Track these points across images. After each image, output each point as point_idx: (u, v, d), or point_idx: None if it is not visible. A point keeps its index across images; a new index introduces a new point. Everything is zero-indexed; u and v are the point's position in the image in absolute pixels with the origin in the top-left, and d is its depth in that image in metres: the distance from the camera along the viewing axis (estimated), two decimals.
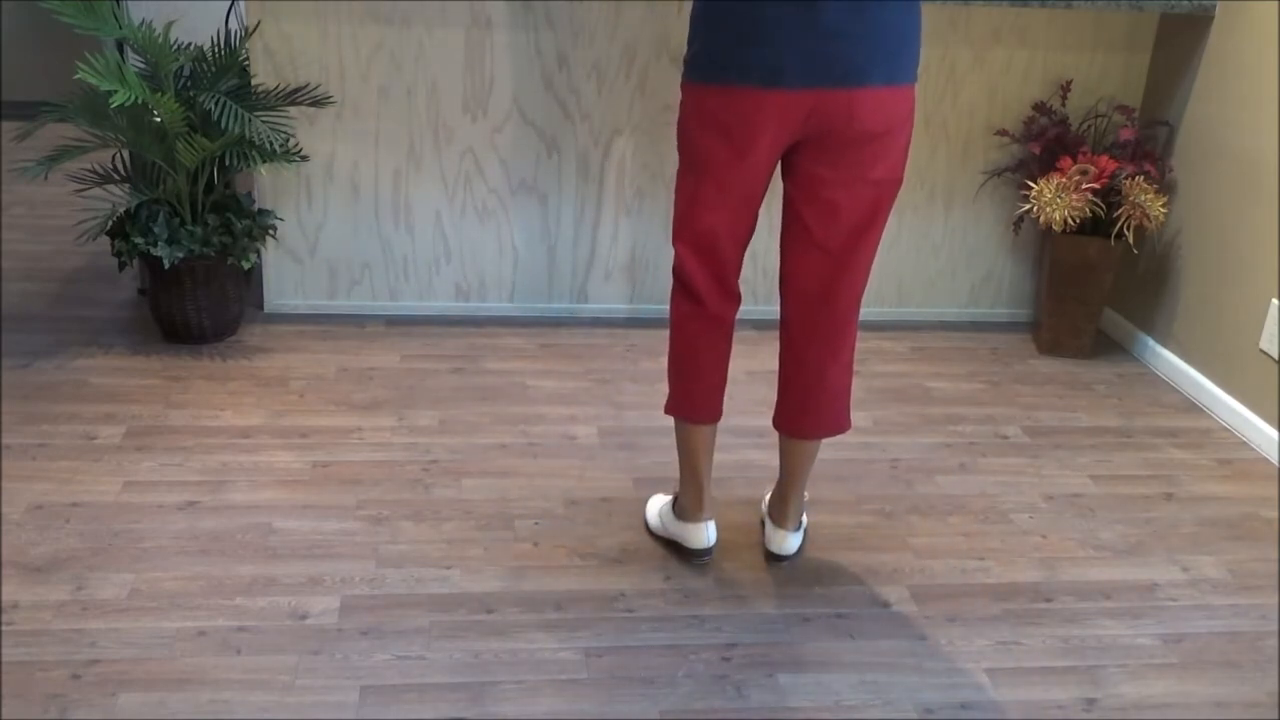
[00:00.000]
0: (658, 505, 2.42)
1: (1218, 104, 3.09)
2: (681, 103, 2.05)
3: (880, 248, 3.47)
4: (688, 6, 3.14)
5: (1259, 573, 2.38)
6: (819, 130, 1.96)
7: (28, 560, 2.18)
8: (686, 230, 2.11)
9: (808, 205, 2.04)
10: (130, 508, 2.37)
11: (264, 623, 2.05)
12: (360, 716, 1.85)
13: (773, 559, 2.31)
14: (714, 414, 2.22)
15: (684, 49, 3.19)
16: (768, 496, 2.39)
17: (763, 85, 1.90)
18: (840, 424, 2.22)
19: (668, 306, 3.45)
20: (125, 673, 1.91)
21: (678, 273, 2.16)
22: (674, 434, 2.50)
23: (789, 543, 2.29)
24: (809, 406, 2.19)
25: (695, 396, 2.20)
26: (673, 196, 3.33)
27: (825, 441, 2.78)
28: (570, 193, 3.33)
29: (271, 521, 2.35)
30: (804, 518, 2.37)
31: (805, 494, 2.37)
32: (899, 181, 2.04)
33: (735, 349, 3.06)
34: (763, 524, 2.41)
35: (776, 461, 2.67)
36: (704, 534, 2.28)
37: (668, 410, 2.24)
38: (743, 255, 2.13)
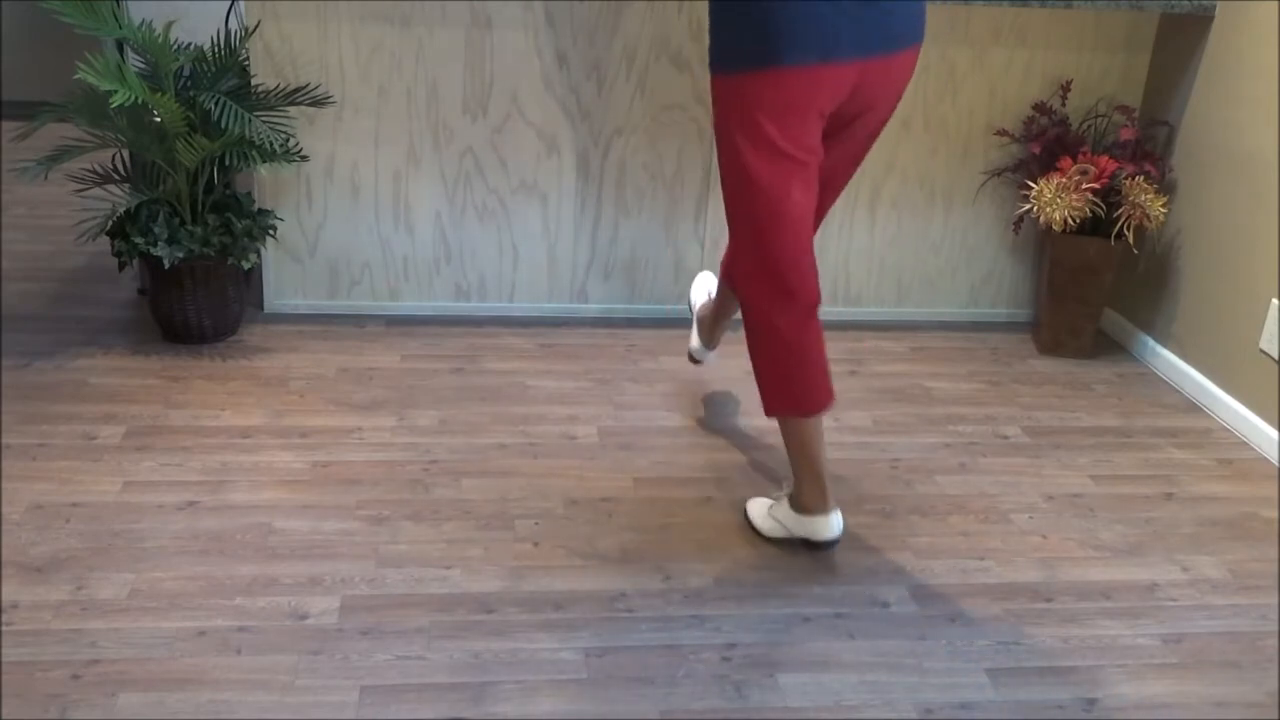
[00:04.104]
0: (763, 508, 2.40)
1: (1218, 104, 3.09)
2: (728, 99, 2.04)
3: (881, 247, 3.48)
4: (688, 6, 3.14)
5: (1259, 573, 2.38)
6: (858, 101, 2.08)
7: (28, 560, 2.18)
8: (780, 227, 2.08)
9: (829, 156, 2.18)
10: (130, 508, 2.37)
11: (264, 623, 2.05)
12: (360, 716, 1.85)
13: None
14: (829, 398, 2.21)
15: (684, 49, 3.18)
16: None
17: (819, 61, 1.97)
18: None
19: (667, 306, 3.47)
20: (125, 673, 1.91)
21: (773, 274, 2.11)
22: (783, 432, 2.31)
23: (711, 357, 2.78)
24: None
25: (811, 387, 2.18)
26: (672, 195, 3.35)
27: (825, 441, 2.77)
28: (570, 193, 3.33)
29: (271, 521, 2.35)
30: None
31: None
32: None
33: (736, 348, 3.04)
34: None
35: (776, 461, 2.67)
36: (835, 523, 2.26)
37: (785, 411, 2.20)
38: (813, 234, 2.20)
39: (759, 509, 2.41)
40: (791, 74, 1.95)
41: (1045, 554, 2.40)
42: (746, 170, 2.06)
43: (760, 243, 2.11)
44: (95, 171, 3.07)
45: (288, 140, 3.00)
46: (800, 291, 2.13)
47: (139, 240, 2.90)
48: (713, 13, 2.02)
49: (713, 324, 2.72)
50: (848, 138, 2.18)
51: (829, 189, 2.27)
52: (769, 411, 2.22)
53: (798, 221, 2.09)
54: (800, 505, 2.28)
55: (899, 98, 2.15)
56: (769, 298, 2.14)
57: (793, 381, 2.18)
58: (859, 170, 3.35)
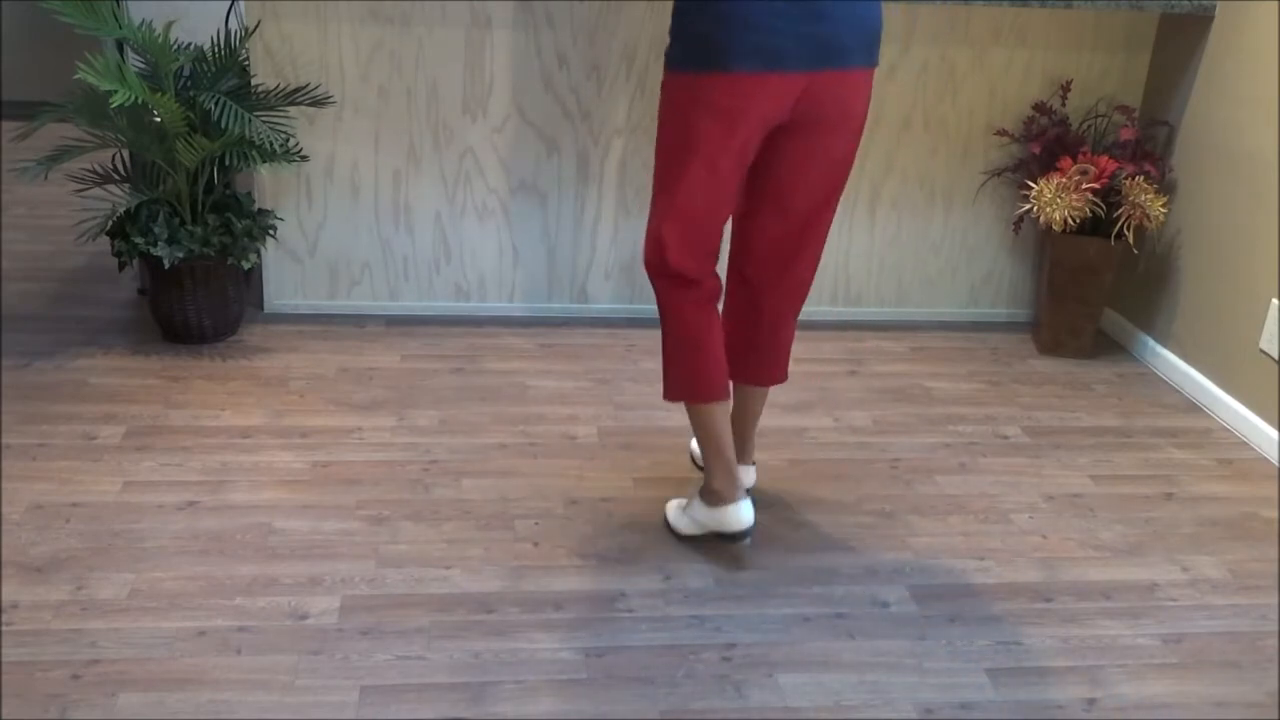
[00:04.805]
0: (678, 507, 2.40)
1: (1218, 104, 3.09)
2: (672, 94, 2.09)
3: (881, 247, 3.48)
4: None
5: (1259, 573, 2.38)
6: (806, 112, 2.08)
7: (28, 560, 2.18)
8: (674, 218, 2.15)
9: (779, 178, 2.16)
10: (130, 508, 2.37)
11: (264, 623, 2.05)
12: (360, 716, 1.85)
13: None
14: (723, 391, 2.24)
15: None
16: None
17: (763, 70, 2.00)
18: (786, 374, 2.40)
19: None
20: (125, 673, 1.91)
21: (666, 265, 2.18)
22: (690, 423, 2.36)
23: (750, 475, 2.48)
24: (767, 358, 2.34)
25: (711, 375, 2.22)
26: None
27: (825, 441, 2.79)
28: (570, 193, 3.33)
29: (271, 521, 2.35)
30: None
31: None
32: (853, 160, 2.20)
33: None
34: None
35: (775, 461, 2.67)
36: (745, 513, 2.25)
37: (682, 397, 2.24)
38: (721, 235, 2.21)
39: (673, 506, 2.42)
40: (739, 80, 2.00)
41: (1045, 554, 2.40)
42: (676, 166, 2.11)
43: (671, 229, 2.16)
44: (95, 171, 3.07)
45: (288, 140, 3.00)
46: (703, 283, 2.20)
47: (139, 240, 2.90)
48: (674, 17, 2.07)
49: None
50: (808, 157, 2.13)
51: (812, 229, 2.23)
52: (667, 396, 2.28)
53: (711, 217, 2.15)
54: (710, 495, 2.28)
55: (858, 121, 2.12)
56: (673, 285, 2.20)
57: (690, 368, 2.23)
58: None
